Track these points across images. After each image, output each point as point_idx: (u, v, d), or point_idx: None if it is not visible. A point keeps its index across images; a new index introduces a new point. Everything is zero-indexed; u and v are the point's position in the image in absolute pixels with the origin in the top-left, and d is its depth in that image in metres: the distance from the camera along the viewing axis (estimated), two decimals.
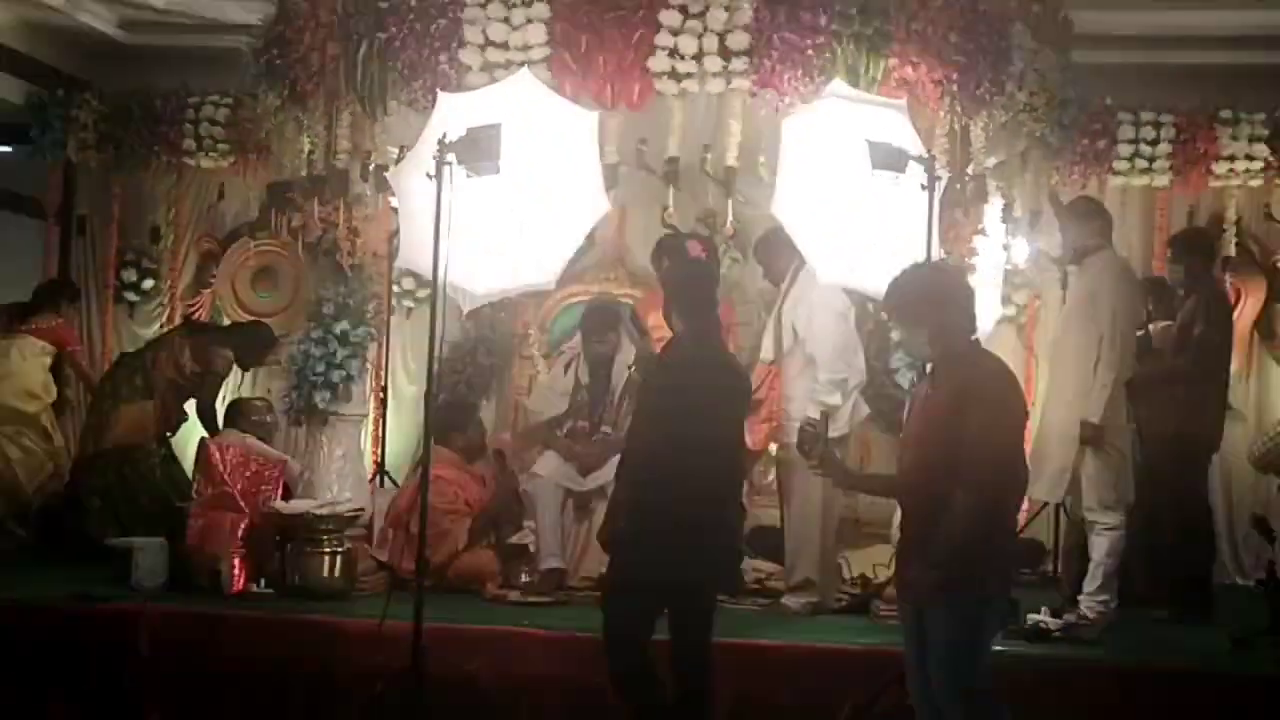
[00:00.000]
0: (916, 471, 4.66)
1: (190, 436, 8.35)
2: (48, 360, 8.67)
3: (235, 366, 8.54)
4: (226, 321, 9.19)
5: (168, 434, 8.46)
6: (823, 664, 6.01)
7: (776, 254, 7.19)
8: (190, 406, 8.48)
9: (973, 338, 4.79)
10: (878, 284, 6.94)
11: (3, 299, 10.57)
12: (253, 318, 8.93)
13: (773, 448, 7.31)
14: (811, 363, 6.97)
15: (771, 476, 8.26)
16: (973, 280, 6.93)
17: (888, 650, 5.72)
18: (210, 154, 9.57)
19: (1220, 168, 9.04)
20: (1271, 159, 8.99)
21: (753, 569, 7.60)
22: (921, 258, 5.99)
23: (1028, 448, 8.50)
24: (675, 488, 5.07)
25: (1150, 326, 7.74)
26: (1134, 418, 7.02)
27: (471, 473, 7.74)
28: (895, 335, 7.00)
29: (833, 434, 6.86)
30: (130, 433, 8.17)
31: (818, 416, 6.88)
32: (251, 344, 8.45)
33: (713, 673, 5.31)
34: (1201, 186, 9.16)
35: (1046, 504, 7.79)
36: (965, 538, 4.34)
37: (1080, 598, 6.68)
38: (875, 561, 7.52)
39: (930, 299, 4.74)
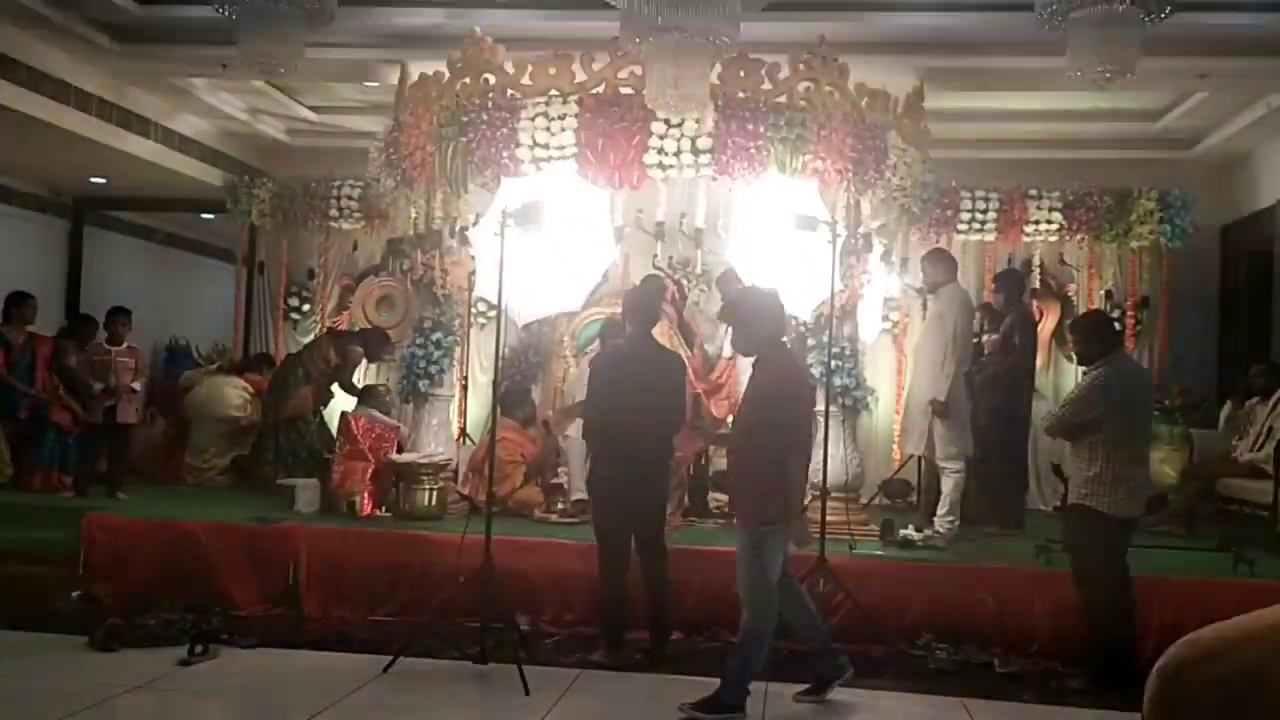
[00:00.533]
0: (735, 436, 4.69)
1: (334, 410, 8.33)
2: (248, 394, 8.73)
3: (364, 359, 8.53)
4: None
5: (320, 408, 8.42)
6: None
7: (730, 285, 7.17)
8: (335, 388, 8.45)
9: (780, 340, 4.70)
10: (799, 307, 6.98)
11: (209, 321, 10.70)
12: (376, 328, 8.93)
13: (729, 418, 7.28)
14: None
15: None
16: (861, 305, 6.98)
17: (807, 555, 5.70)
18: (348, 219, 9.52)
19: (1029, 229, 9.00)
20: (1063, 223, 8.96)
21: (714, 499, 7.59)
22: (827, 292, 6.01)
23: (898, 419, 8.62)
24: (617, 444, 5.06)
25: (983, 337, 7.73)
26: (972, 396, 7.02)
27: (527, 435, 7.71)
28: (811, 341, 7.00)
29: None
30: (296, 408, 8.14)
31: None
32: (375, 343, 8.43)
33: (667, 569, 5.28)
34: (1016, 241, 9.12)
35: (913, 455, 7.77)
36: (754, 481, 4.32)
37: (935, 519, 6.67)
38: None
39: (747, 312, 4.63)
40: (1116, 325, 8.81)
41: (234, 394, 8.73)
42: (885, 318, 8.73)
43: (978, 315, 7.62)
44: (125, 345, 8.03)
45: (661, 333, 6.82)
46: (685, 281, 8.28)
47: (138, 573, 6.26)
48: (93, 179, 10.30)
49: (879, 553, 6.25)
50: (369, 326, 8.92)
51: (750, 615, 4.46)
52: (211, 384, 8.89)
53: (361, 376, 8.66)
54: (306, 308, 9.81)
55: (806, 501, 6.87)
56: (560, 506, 7.04)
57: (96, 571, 6.30)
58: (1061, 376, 8.97)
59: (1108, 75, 5.50)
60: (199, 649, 5.19)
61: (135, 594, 6.08)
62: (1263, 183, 9.17)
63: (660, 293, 5.50)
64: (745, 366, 6.98)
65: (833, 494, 6.29)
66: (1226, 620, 1.13)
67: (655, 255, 7.65)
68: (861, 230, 6.70)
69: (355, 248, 9.77)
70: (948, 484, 6.63)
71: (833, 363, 6.43)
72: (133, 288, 10.63)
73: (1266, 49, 6.94)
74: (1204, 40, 6.77)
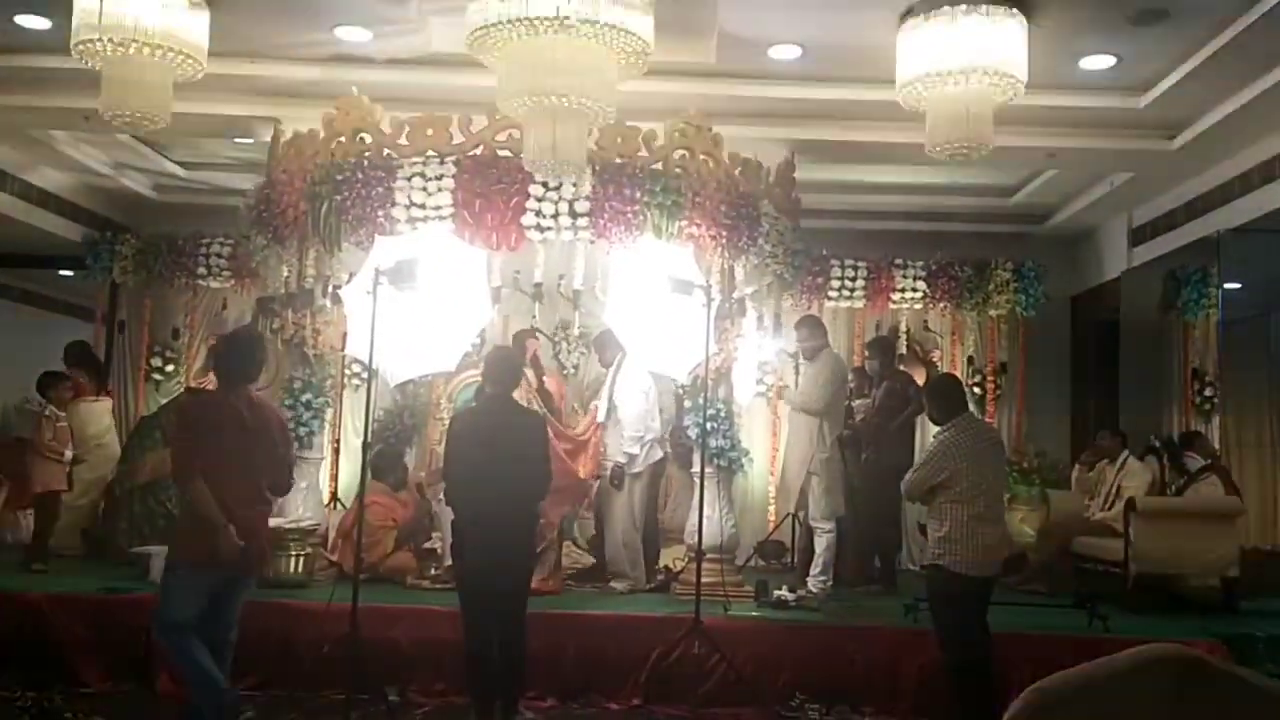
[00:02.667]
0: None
1: None
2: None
3: None
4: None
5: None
6: (637, 626, 5.95)
7: (605, 347, 7.21)
8: None
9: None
10: (675, 369, 7.04)
11: None
12: None
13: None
14: (619, 424, 6.99)
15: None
16: (735, 368, 7.07)
17: (681, 616, 5.72)
18: (217, 277, 9.30)
19: (896, 296, 9.33)
20: (928, 291, 9.31)
21: (587, 562, 7.52)
22: (702, 354, 6.08)
23: (773, 480, 8.73)
24: (477, 507, 4.93)
25: (853, 401, 7.91)
26: (844, 458, 7.15)
27: (398, 499, 7.53)
28: (687, 403, 7.06)
29: (632, 471, 6.96)
30: (154, 471, 7.75)
31: (624, 460, 6.94)
32: None
33: (523, 636, 5.04)
34: (884, 308, 9.43)
35: (789, 515, 7.85)
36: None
37: (808, 579, 6.74)
38: (674, 556, 7.51)
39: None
40: (976, 389, 9.25)
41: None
42: (760, 380, 8.87)
43: (850, 379, 7.81)
44: None
45: (520, 395, 6.78)
46: (564, 343, 8.29)
47: None
48: None
49: (754, 614, 6.27)
50: None
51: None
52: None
53: None
54: (170, 368, 9.47)
55: (683, 564, 6.93)
56: (433, 572, 6.87)
57: None
58: (926, 439, 9.22)
59: (963, 152, 5.76)
60: None
61: None
62: (1107, 256, 9.71)
63: (522, 354, 5.43)
64: (610, 431, 7.03)
65: (708, 555, 6.30)
66: (1072, 669, 1.15)
67: (534, 317, 7.64)
68: (736, 295, 6.81)
69: (224, 306, 9.50)
70: (820, 544, 6.73)
71: (708, 424, 6.48)
72: None
73: (1108, 130, 7.40)
74: (1052, 121, 7.17)
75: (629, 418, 6.96)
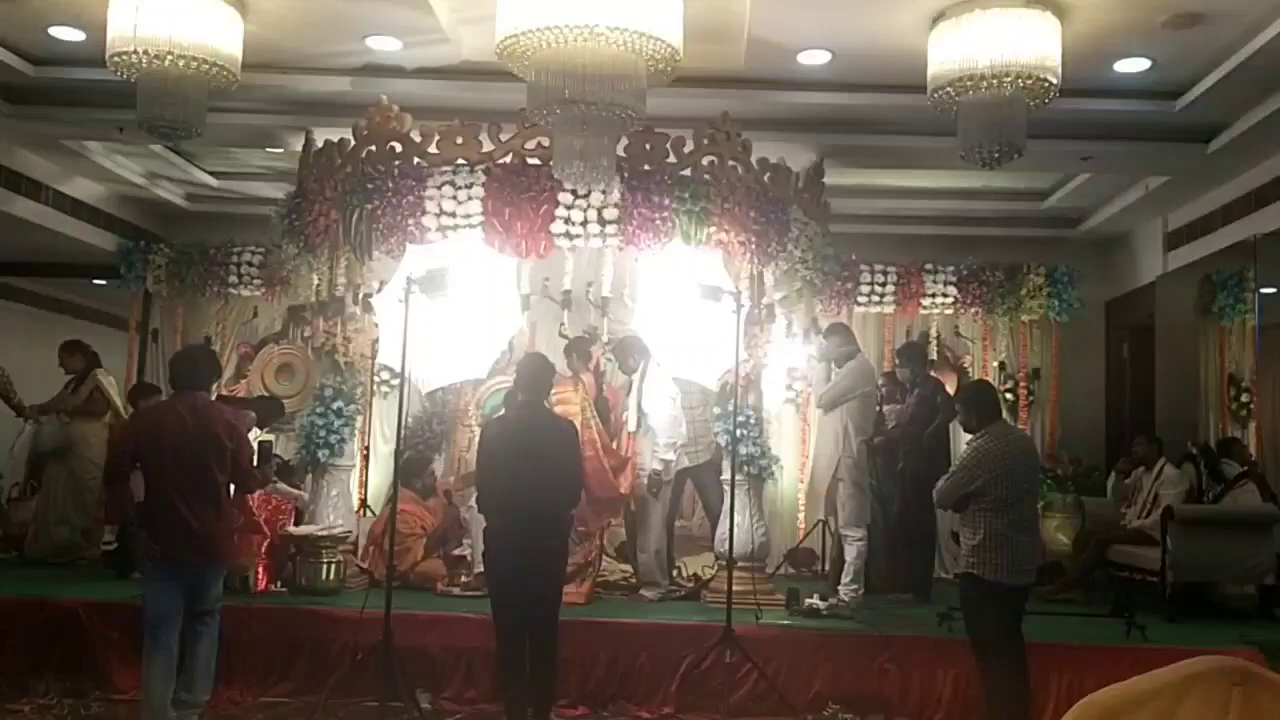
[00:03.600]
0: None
1: None
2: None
3: (255, 426, 8.20)
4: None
5: None
6: (668, 634, 5.94)
7: (628, 354, 7.20)
8: None
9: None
10: (705, 376, 7.04)
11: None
12: (271, 395, 8.70)
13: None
14: (650, 431, 6.99)
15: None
16: (765, 374, 7.05)
17: (711, 625, 5.71)
18: (248, 286, 9.37)
19: (926, 301, 9.28)
20: (958, 296, 9.26)
21: (619, 570, 7.52)
22: (732, 361, 6.08)
23: (803, 487, 8.72)
24: (508, 514, 4.93)
25: (883, 407, 7.87)
26: (875, 466, 7.12)
27: (426, 506, 7.56)
28: (717, 409, 7.05)
29: (665, 479, 6.96)
30: None
31: (660, 468, 6.94)
32: (267, 410, 8.10)
33: (557, 645, 5.06)
34: (914, 314, 9.38)
35: (820, 522, 7.80)
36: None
37: (839, 587, 6.71)
38: (704, 564, 7.50)
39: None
40: (1008, 395, 9.18)
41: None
42: (789, 387, 8.84)
43: (881, 384, 7.78)
44: None
45: (576, 401, 6.80)
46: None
47: (12, 654, 5.90)
48: None
49: (785, 622, 6.25)
50: (264, 394, 8.68)
51: None
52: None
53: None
54: None
55: (712, 572, 6.91)
56: (463, 579, 6.89)
57: None
58: (959, 446, 9.17)
59: (996, 155, 5.73)
60: None
61: (8, 677, 5.73)
62: (1142, 260, 9.62)
63: (546, 364, 5.38)
64: (641, 439, 7.03)
65: (738, 563, 6.29)
66: (1122, 682, 1.14)
67: (562, 324, 7.65)
68: (765, 301, 6.80)
69: (255, 314, 9.58)
70: (850, 552, 6.69)
71: (738, 431, 6.47)
72: (18, 355, 10.19)
73: (1143, 134, 7.33)
74: (1086, 124, 7.13)
75: (660, 424, 6.95)
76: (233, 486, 5.04)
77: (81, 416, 8.04)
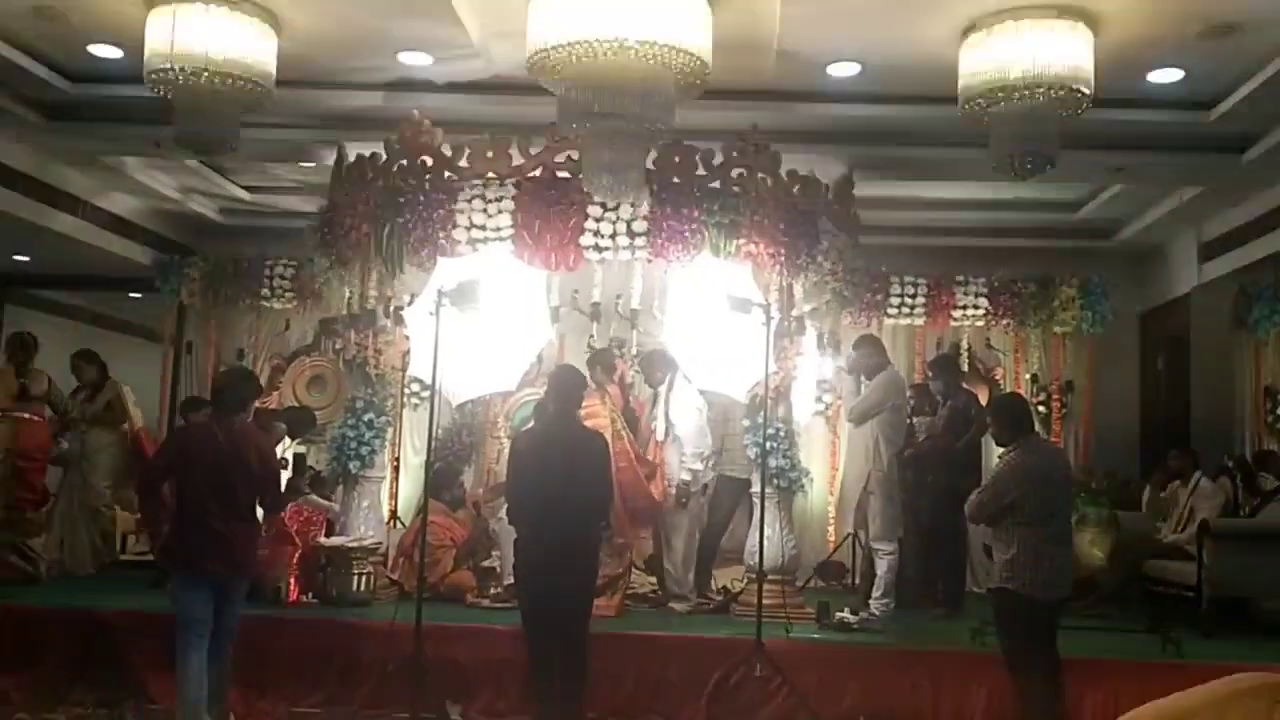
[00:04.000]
0: None
1: None
2: None
3: (287, 437, 8.24)
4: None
5: None
6: (697, 648, 5.92)
7: (654, 367, 7.19)
8: None
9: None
10: (734, 388, 7.03)
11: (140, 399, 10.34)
12: (302, 407, 8.76)
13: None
14: (678, 441, 6.98)
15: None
16: (794, 387, 7.02)
17: (741, 639, 5.69)
18: (280, 299, 9.47)
19: (956, 314, 9.22)
20: (989, 308, 9.20)
21: (647, 582, 7.51)
22: (761, 373, 6.06)
23: (833, 500, 8.66)
24: (539, 526, 4.90)
25: (915, 420, 7.82)
26: (906, 479, 7.07)
27: (455, 518, 7.59)
28: (746, 422, 7.04)
29: (693, 489, 6.95)
30: None
31: (689, 478, 6.92)
32: (298, 421, 8.15)
33: (586, 659, 5.00)
34: (945, 325, 9.33)
35: (849, 535, 7.76)
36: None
37: (870, 601, 6.66)
38: (733, 577, 7.47)
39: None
40: (1041, 408, 9.10)
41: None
42: (819, 399, 8.81)
43: (910, 396, 7.73)
44: None
45: (605, 413, 6.80)
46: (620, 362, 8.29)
47: (49, 664, 5.96)
48: (16, 256, 10.10)
49: (815, 636, 6.21)
50: (295, 405, 8.74)
51: None
52: None
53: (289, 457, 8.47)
54: None
55: (742, 585, 6.88)
56: (493, 591, 6.90)
57: (4, 663, 5.99)
58: (991, 459, 9.10)
59: (1028, 166, 5.70)
60: None
61: (45, 686, 5.79)
62: (1176, 272, 9.53)
63: (577, 376, 5.37)
64: (669, 450, 7.02)
65: (768, 576, 6.27)
66: (1162, 699, 1.13)
67: (591, 336, 7.67)
68: (794, 313, 6.79)
69: (287, 327, 9.67)
70: (881, 566, 6.64)
71: (767, 444, 6.45)
72: (55, 368, 10.33)
73: (1176, 145, 7.27)
74: (1119, 135, 7.08)
75: (687, 435, 6.94)
76: (260, 508, 5.18)
77: (98, 425, 7.97)
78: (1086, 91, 5.49)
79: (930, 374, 8.05)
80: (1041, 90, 5.41)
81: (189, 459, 5.00)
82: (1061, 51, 5.42)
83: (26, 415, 7.50)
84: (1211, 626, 6.64)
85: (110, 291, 11.32)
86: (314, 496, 7.50)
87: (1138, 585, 7.53)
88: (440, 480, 7.64)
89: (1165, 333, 9.78)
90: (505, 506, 5.76)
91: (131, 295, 11.09)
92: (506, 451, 8.02)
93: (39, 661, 5.97)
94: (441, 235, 6.35)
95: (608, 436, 6.08)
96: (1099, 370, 9.47)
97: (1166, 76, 6.36)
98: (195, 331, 9.88)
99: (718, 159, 6.35)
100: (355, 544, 6.72)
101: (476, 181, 6.37)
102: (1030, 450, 5.02)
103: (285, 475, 7.69)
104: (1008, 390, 8.93)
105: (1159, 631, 6.08)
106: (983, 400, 9.10)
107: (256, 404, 8.91)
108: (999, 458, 5.23)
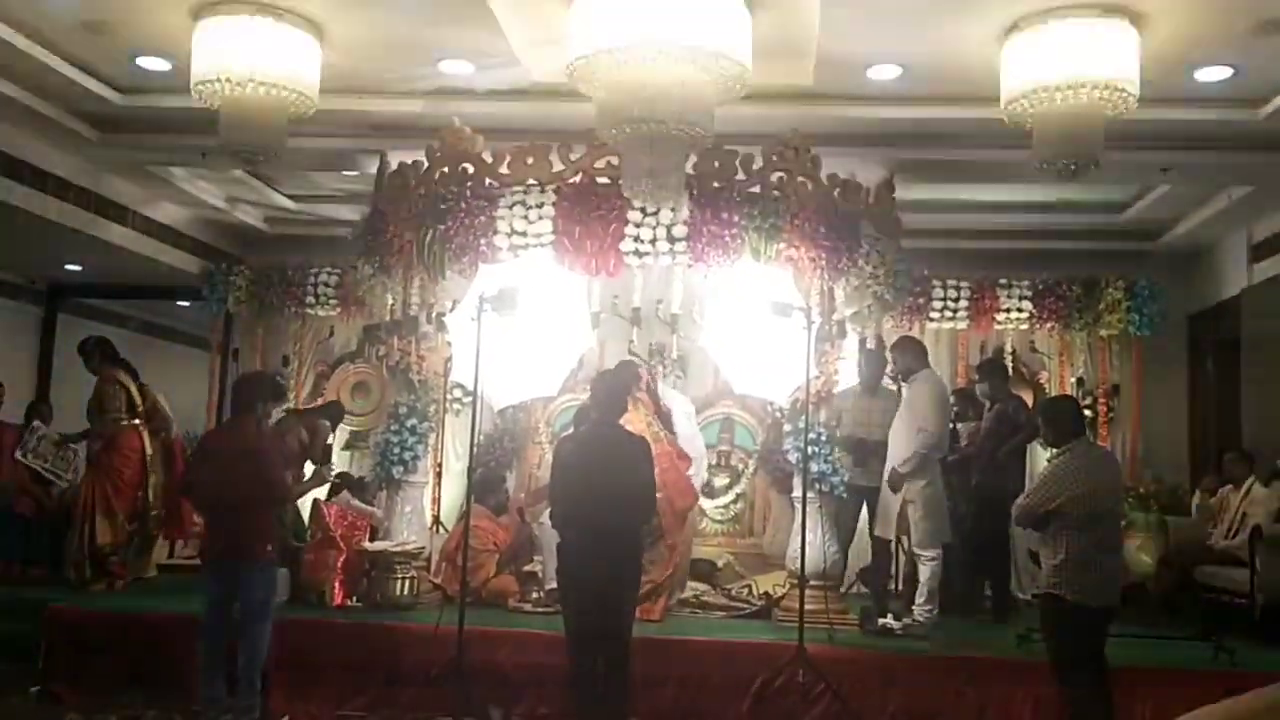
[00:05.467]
0: None
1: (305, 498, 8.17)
2: None
3: (330, 431, 8.17)
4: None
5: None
6: (740, 653, 5.91)
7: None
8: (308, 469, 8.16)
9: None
10: (776, 393, 6.99)
11: (183, 409, 10.46)
12: (349, 415, 8.83)
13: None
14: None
15: (704, 523, 8.21)
16: (836, 391, 6.98)
17: (785, 644, 5.67)
18: (324, 306, 9.55)
19: (1000, 317, 9.12)
20: (1033, 311, 9.08)
21: (690, 587, 7.49)
22: (802, 378, 6.03)
23: None
24: (583, 531, 4.91)
25: (958, 425, 7.75)
26: (948, 484, 7.00)
27: (499, 522, 7.63)
28: (787, 426, 7.00)
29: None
30: None
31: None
32: (332, 413, 8.20)
33: (629, 665, 5.00)
34: (988, 329, 9.23)
35: (882, 539, 7.68)
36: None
37: (914, 607, 6.60)
38: (774, 583, 7.43)
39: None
40: (1088, 412, 8.96)
41: None
42: None
43: (952, 402, 7.65)
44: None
45: (639, 419, 6.80)
46: (661, 367, 8.30)
47: (99, 668, 6.07)
48: (68, 266, 10.30)
49: (859, 642, 6.17)
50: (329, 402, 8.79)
51: None
52: None
53: (336, 460, 8.56)
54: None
55: (783, 590, 6.85)
56: (535, 596, 6.93)
57: (57, 666, 6.10)
58: (1038, 464, 8.99)
59: (1072, 168, 5.63)
60: None
61: (96, 690, 5.89)
62: (1226, 273, 9.34)
63: (632, 379, 5.41)
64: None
65: (810, 582, 6.23)
66: (1217, 704, 1.11)
67: (631, 341, 7.68)
68: (836, 317, 6.75)
69: (331, 334, 9.77)
70: (924, 572, 6.58)
71: (809, 449, 6.42)
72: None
73: (1225, 144, 7.14)
74: (1165, 135, 6.96)
75: (683, 438, 6.97)
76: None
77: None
78: (1132, 91, 5.41)
79: (978, 377, 7.97)
80: (1085, 90, 5.34)
81: (205, 459, 5.64)
82: (1106, 50, 5.35)
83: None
84: (1265, 633, 6.51)
85: (159, 300, 11.50)
86: (356, 501, 7.57)
87: (1188, 592, 7.40)
88: (485, 485, 7.68)
89: (1214, 335, 9.59)
90: (548, 511, 5.78)
91: (180, 304, 11.27)
92: (548, 457, 8.11)
93: (90, 664, 6.07)
94: (483, 241, 6.39)
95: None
96: (1146, 374, 9.32)
97: (1214, 74, 6.25)
98: (242, 339, 10.01)
99: (758, 163, 6.33)
100: (398, 548, 6.77)
101: (517, 188, 6.41)
102: (1080, 453, 4.95)
103: (332, 470, 7.78)
104: (1059, 394, 8.80)
105: (1210, 639, 5.97)
106: (1028, 405, 9.02)
107: (300, 408, 9.11)
108: (1047, 460, 5.16)
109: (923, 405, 6.70)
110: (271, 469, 5.59)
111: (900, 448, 6.73)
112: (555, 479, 5.12)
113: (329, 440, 8.04)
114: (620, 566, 4.92)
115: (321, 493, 7.83)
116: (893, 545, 7.32)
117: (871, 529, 7.12)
